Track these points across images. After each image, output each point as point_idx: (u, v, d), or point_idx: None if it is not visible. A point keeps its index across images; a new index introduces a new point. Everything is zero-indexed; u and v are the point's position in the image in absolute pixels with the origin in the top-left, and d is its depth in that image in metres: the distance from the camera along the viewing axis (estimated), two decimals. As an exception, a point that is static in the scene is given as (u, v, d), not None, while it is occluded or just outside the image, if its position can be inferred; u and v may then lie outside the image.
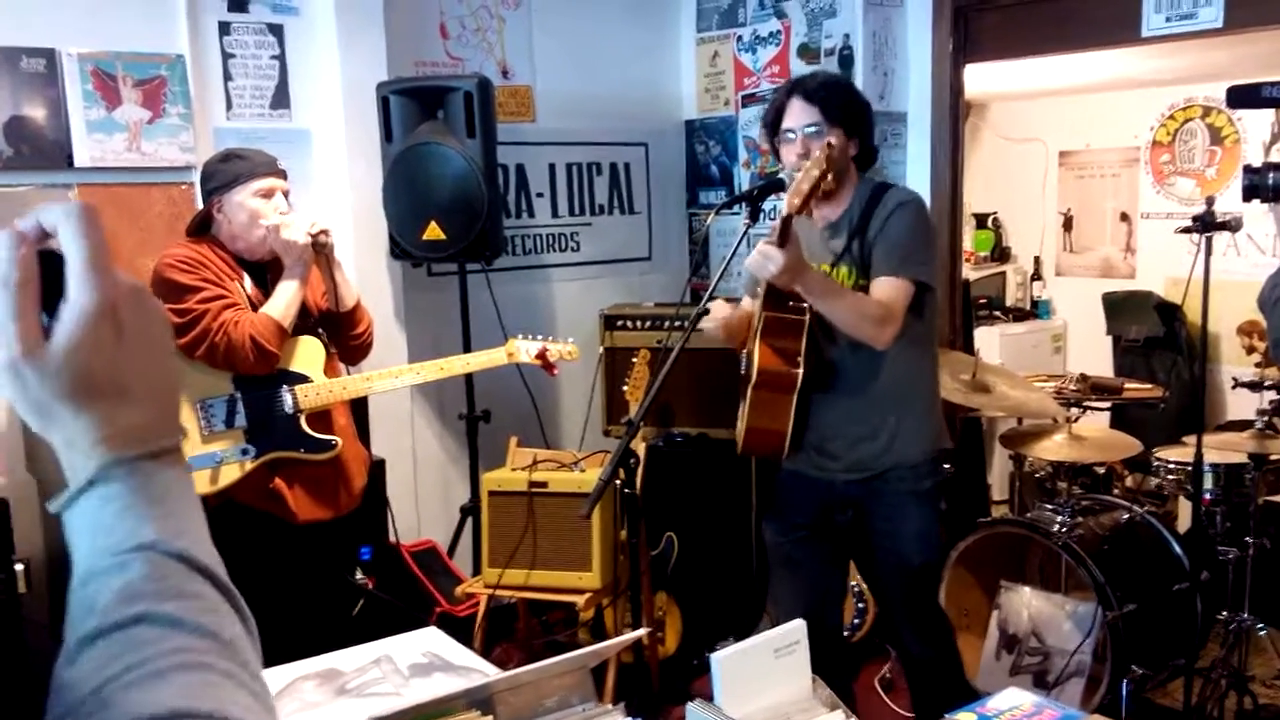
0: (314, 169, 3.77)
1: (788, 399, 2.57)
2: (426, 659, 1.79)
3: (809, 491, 2.76)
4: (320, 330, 2.82)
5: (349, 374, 2.92)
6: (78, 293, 0.61)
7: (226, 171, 2.70)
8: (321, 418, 2.76)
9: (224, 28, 3.61)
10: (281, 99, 3.73)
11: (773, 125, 2.70)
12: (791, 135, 2.63)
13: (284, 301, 2.67)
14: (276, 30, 3.70)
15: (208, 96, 3.59)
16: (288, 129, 3.73)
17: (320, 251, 2.74)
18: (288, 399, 2.70)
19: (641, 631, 1.64)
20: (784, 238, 2.31)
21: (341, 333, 2.86)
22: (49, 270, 0.62)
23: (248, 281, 2.73)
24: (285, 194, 2.75)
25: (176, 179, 3.51)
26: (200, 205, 3.08)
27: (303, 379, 2.73)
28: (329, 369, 2.82)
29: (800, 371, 2.54)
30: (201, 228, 2.75)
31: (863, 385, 2.63)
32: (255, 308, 2.67)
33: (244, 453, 2.66)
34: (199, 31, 3.55)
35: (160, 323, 0.67)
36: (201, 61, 3.56)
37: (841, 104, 2.63)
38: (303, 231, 2.68)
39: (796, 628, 1.52)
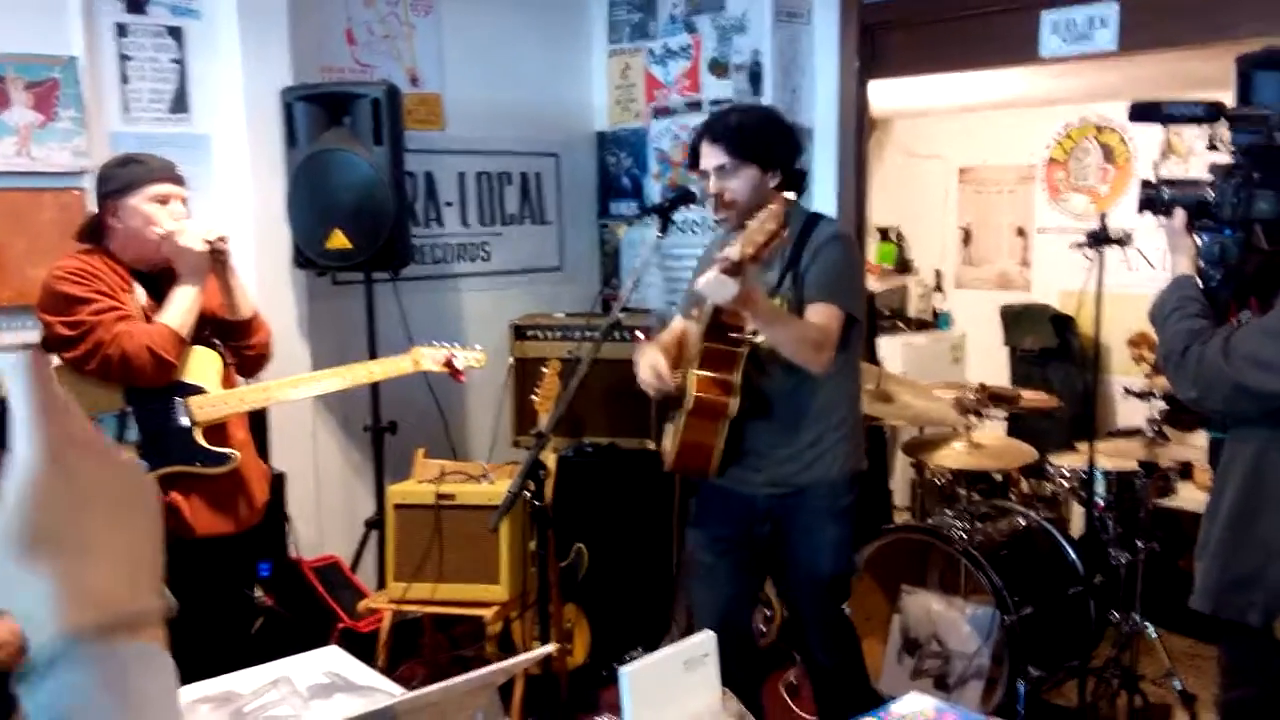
0: (215, 175, 3.67)
1: (719, 425, 2.64)
2: (327, 679, 1.75)
3: (732, 504, 2.81)
4: (215, 341, 2.74)
5: (247, 385, 2.85)
6: (22, 446, 0.59)
7: (122, 176, 2.61)
8: (217, 431, 2.68)
9: (121, 29, 3.50)
10: (181, 103, 3.63)
11: (692, 164, 2.77)
12: (705, 175, 2.68)
13: (181, 310, 2.58)
14: (176, 33, 3.60)
15: (103, 100, 3.47)
16: (187, 134, 3.63)
17: (216, 259, 2.67)
18: (182, 412, 2.62)
19: (549, 648, 1.63)
20: (738, 270, 2.34)
21: (238, 343, 2.78)
22: None
23: (140, 293, 2.64)
24: (183, 201, 2.67)
25: (69, 184, 3.39)
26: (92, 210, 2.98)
27: (198, 390, 2.65)
28: (226, 381, 2.75)
29: (735, 402, 2.60)
30: (93, 235, 2.66)
31: (790, 410, 2.70)
32: (148, 320, 2.59)
33: None
34: (94, 33, 3.44)
35: (129, 480, 0.64)
36: (97, 64, 3.45)
37: (751, 141, 2.65)
38: (199, 238, 2.60)
39: (705, 640, 1.53)
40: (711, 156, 2.65)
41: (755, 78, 4.12)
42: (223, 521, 2.68)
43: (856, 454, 2.82)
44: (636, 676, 1.43)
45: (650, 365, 2.67)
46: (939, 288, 6.46)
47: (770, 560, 2.88)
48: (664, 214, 2.69)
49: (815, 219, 2.75)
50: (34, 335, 2.75)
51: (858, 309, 2.69)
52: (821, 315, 2.57)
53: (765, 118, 2.79)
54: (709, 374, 2.60)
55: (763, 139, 2.69)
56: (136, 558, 0.63)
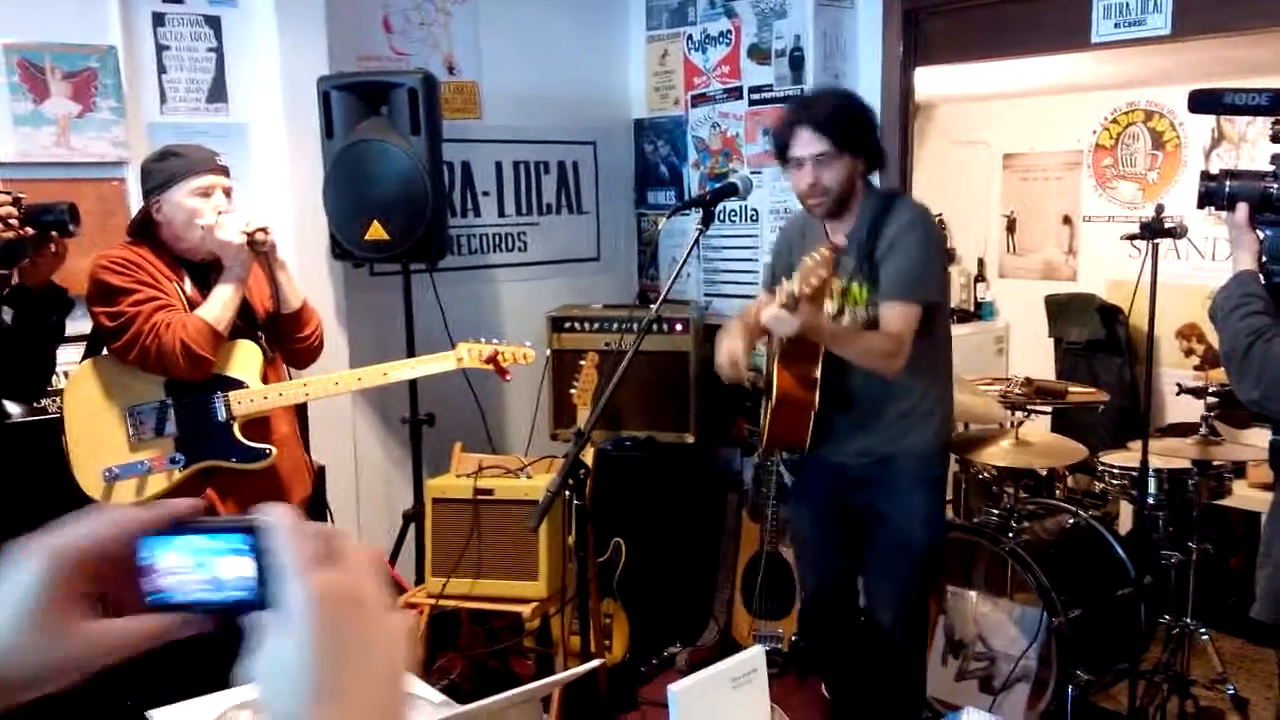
0: (252, 165, 3.66)
1: (805, 415, 2.71)
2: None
3: (825, 475, 2.88)
4: (261, 334, 2.73)
5: (291, 379, 2.83)
6: (296, 604, 0.61)
7: (163, 170, 2.60)
8: (259, 425, 2.67)
9: (158, 19, 3.49)
10: (218, 93, 3.61)
11: (780, 150, 2.71)
12: (800, 163, 2.64)
13: (219, 304, 2.57)
14: (213, 22, 3.58)
15: (141, 90, 3.46)
16: (225, 124, 3.61)
17: (259, 250, 2.65)
18: (220, 406, 2.61)
19: (594, 664, 1.59)
20: (796, 306, 2.37)
21: (288, 335, 2.77)
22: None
23: (188, 283, 2.63)
24: (227, 191, 2.65)
25: (108, 175, 3.38)
26: (134, 202, 2.97)
27: (238, 384, 2.63)
28: (271, 374, 2.73)
29: (816, 396, 2.66)
30: (142, 232, 2.65)
31: (874, 395, 2.73)
32: (191, 311, 2.57)
33: (173, 461, 2.56)
34: (131, 23, 3.43)
35: (388, 634, 0.64)
36: (134, 53, 3.44)
37: (850, 129, 2.64)
38: (237, 230, 2.58)
39: (754, 655, 1.48)
40: (812, 144, 2.61)
41: (797, 63, 4.04)
42: None
43: (945, 427, 2.86)
44: (684, 695, 1.39)
45: (729, 353, 2.66)
46: (982, 277, 6.35)
47: (863, 530, 2.89)
48: (706, 206, 2.63)
49: (891, 199, 2.70)
50: (80, 326, 2.75)
51: (939, 293, 2.74)
52: (895, 318, 2.57)
53: (857, 104, 2.76)
54: (791, 370, 2.67)
55: (859, 127, 2.68)
56: (387, 709, 0.62)
